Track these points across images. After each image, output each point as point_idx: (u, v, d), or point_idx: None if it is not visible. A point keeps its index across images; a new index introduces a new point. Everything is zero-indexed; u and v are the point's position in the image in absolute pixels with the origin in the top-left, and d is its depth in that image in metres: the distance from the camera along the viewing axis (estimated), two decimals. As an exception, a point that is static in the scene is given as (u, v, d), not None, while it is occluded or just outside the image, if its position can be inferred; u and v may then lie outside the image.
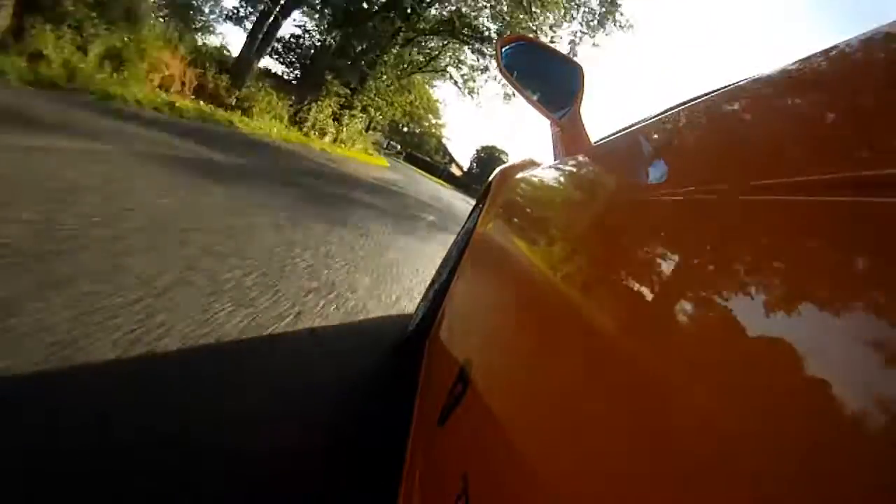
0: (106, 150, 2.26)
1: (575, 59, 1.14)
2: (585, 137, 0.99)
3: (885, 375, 0.15)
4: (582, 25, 12.96)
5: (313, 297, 1.54)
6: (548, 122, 1.10)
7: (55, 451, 0.65)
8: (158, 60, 5.49)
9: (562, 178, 0.77)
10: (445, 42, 15.46)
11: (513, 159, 1.39)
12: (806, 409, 0.17)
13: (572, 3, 12.55)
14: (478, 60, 15.30)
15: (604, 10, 12.75)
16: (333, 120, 11.28)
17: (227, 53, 8.69)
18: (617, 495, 0.23)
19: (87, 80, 3.91)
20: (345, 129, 12.09)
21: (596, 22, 12.89)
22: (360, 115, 12.82)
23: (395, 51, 13.06)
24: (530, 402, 0.37)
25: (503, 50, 1.13)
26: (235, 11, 13.18)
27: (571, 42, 12.98)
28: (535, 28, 12.30)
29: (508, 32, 11.96)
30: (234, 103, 7.19)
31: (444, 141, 43.42)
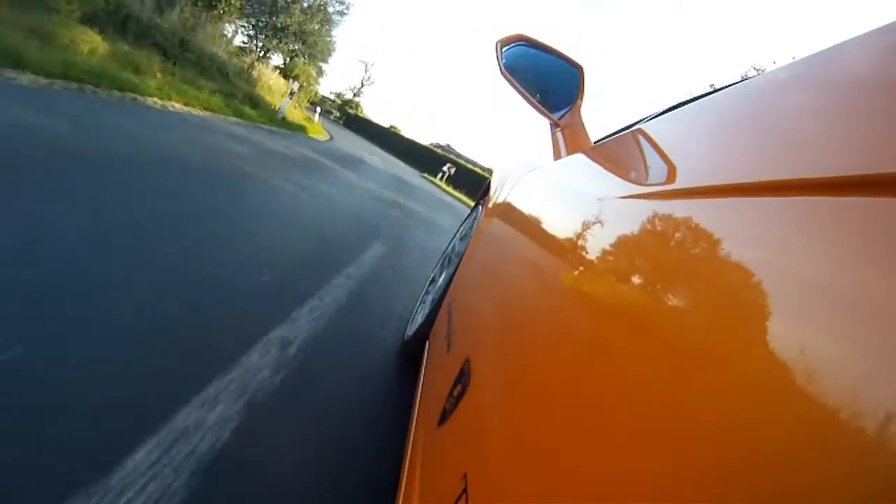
0: None
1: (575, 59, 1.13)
2: (585, 137, 0.99)
3: (886, 374, 0.15)
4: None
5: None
6: (548, 121, 1.10)
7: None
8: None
9: (562, 178, 0.77)
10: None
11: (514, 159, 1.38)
12: (804, 408, 0.17)
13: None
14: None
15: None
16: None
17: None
18: (617, 495, 0.23)
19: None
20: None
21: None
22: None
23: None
24: (530, 403, 0.37)
25: (503, 50, 1.12)
26: None
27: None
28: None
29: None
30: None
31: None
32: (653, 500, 0.20)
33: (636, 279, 0.33)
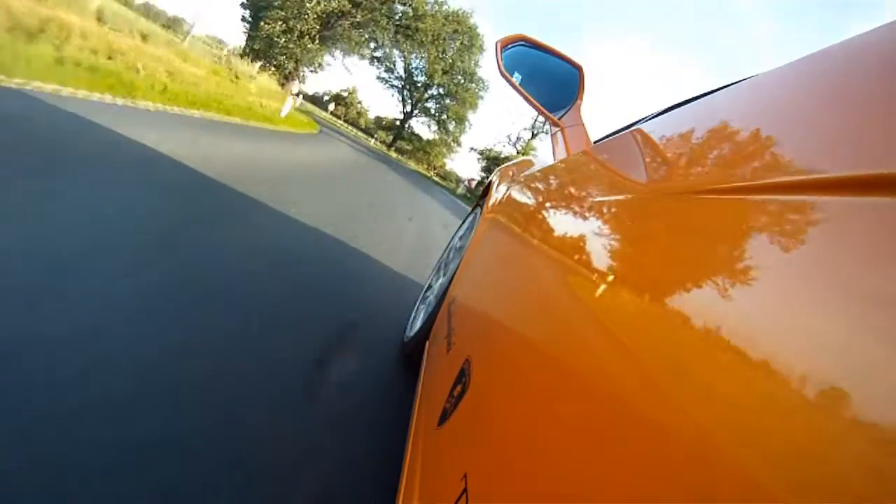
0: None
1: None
2: (585, 137, 0.99)
3: (887, 373, 0.15)
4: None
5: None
6: (548, 122, 1.10)
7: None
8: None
9: (562, 178, 0.77)
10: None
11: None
12: (804, 408, 0.17)
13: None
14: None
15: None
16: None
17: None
18: (618, 495, 0.23)
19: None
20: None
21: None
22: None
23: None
24: (530, 403, 0.37)
25: (503, 50, 1.12)
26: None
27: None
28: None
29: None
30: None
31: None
32: (653, 500, 0.20)
33: (636, 279, 0.33)
